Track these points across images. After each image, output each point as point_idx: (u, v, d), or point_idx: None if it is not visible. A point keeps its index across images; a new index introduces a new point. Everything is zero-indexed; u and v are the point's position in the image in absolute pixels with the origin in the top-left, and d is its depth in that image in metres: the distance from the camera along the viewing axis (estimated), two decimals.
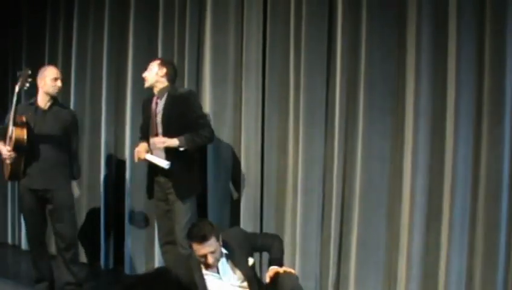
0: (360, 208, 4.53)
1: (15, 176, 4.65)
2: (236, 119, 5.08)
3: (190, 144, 4.50)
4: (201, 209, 4.94)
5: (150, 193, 4.76)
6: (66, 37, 6.11)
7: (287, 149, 4.92)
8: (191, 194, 4.63)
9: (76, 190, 4.86)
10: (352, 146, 4.58)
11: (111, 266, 5.84)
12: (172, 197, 4.57)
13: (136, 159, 4.67)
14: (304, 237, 4.79)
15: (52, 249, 5.21)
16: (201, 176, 4.83)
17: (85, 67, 6.03)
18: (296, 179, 4.82)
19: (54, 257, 4.96)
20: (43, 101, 4.68)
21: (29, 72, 4.55)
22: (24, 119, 4.54)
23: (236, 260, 3.69)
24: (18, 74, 4.58)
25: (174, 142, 4.46)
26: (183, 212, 4.55)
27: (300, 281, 4.71)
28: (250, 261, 3.72)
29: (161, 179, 4.61)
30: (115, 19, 5.77)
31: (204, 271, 3.68)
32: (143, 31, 5.58)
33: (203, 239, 3.55)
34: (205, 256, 3.58)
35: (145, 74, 4.65)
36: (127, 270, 5.61)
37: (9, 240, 6.58)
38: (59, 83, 4.68)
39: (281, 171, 4.95)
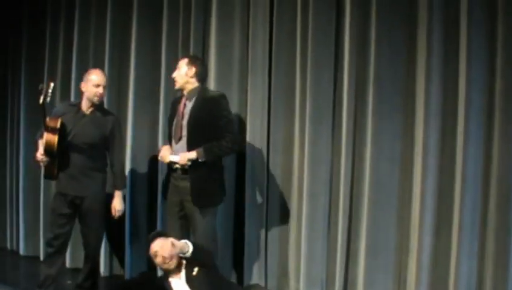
0: (368, 210, 4.50)
1: (49, 177, 4.72)
2: (241, 121, 5.05)
3: (209, 155, 4.38)
4: None
5: (165, 193, 4.67)
6: (66, 41, 6.06)
7: (292, 151, 4.91)
8: (210, 204, 4.50)
9: (119, 203, 4.77)
10: (361, 147, 4.56)
11: (111, 272, 5.78)
12: (189, 205, 4.44)
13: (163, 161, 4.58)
14: (309, 241, 4.76)
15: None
16: (223, 185, 4.65)
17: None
18: (302, 182, 4.80)
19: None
20: (85, 105, 4.67)
21: (52, 84, 4.54)
22: (58, 124, 4.52)
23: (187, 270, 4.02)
24: (40, 86, 4.54)
25: (191, 155, 4.37)
26: (203, 222, 4.44)
27: (306, 287, 4.73)
28: (195, 270, 3.99)
29: (180, 184, 4.47)
30: (117, 21, 5.72)
31: (170, 279, 4.04)
32: (146, 32, 5.54)
33: (154, 237, 4.05)
34: (156, 254, 3.98)
35: (175, 74, 4.54)
36: (127, 277, 5.56)
37: (8, 245, 6.53)
38: (100, 90, 4.63)
39: (287, 174, 4.94)
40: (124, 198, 4.96)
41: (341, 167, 4.61)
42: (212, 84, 5.06)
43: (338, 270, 4.65)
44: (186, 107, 4.48)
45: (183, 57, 4.69)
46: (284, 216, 4.94)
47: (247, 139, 4.99)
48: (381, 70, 4.43)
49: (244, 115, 5.03)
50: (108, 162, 4.80)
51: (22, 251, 6.32)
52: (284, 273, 4.99)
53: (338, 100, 4.66)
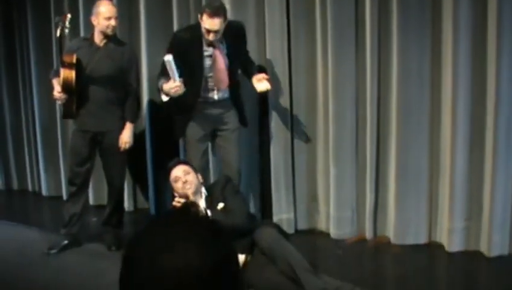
0: (397, 131, 4.55)
1: (68, 115, 4.76)
2: (260, 43, 4.99)
3: None
4: None
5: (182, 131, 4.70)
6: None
7: (315, 71, 4.88)
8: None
9: (128, 135, 4.74)
10: (387, 64, 4.55)
11: (136, 207, 5.90)
12: (231, 126, 4.64)
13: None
14: (337, 166, 4.82)
15: None
16: None
17: None
18: (327, 104, 4.81)
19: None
20: (98, 37, 4.68)
21: (69, 16, 4.53)
22: (74, 59, 4.54)
23: (208, 203, 4.10)
24: (56, 18, 4.56)
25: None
26: (238, 142, 4.71)
27: (336, 212, 4.78)
28: (220, 205, 4.07)
29: (213, 112, 4.60)
30: None
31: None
32: None
33: (175, 164, 4.15)
34: (176, 179, 4.06)
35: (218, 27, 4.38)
36: (152, 210, 5.65)
37: (30, 187, 6.64)
38: (113, 22, 4.61)
39: (311, 96, 4.93)
40: (143, 132, 4.95)
41: (367, 86, 4.62)
42: (226, 5, 4.94)
43: (368, 193, 4.73)
44: (222, 50, 4.51)
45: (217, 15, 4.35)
46: (311, 140, 4.98)
47: (267, 62, 4.93)
48: None
49: (263, 37, 4.96)
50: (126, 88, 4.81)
51: (44, 192, 6.46)
52: (313, 199, 5.07)
53: (360, 12, 4.59)
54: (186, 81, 4.31)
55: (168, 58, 4.21)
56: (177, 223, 1.17)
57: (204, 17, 4.31)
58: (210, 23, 4.30)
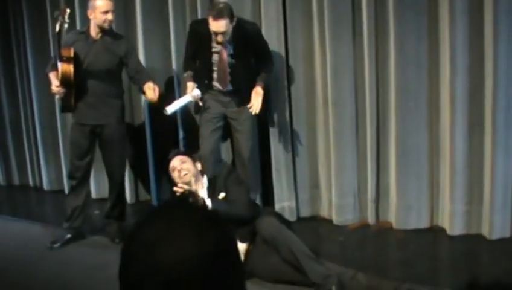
0: (396, 116, 4.59)
1: (67, 109, 4.80)
2: None
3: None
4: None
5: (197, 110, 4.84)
6: None
7: (313, 59, 4.92)
8: None
9: (153, 92, 4.66)
10: (384, 51, 4.59)
11: (137, 199, 5.94)
12: (241, 115, 4.70)
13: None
14: (338, 153, 4.87)
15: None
16: None
17: None
18: (326, 91, 4.85)
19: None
20: (94, 30, 4.71)
21: (68, 10, 4.54)
22: (72, 53, 4.58)
23: (210, 192, 4.14)
24: (56, 13, 4.56)
25: (261, 92, 4.57)
26: (250, 133, 4.77)
27: (338, 198, 4.82)
28: (221, 195, 4.11)
29: (222, 99, 4.71)
30: None
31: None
32: None
33: (174, 155, 4.19)
34: (174, 168, 4.11)
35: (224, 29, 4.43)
36: (154, 202, 5.69)
37: (31, 182, 6.67)
38: (110, 17, 4.64)
39: (309, 83, 4.96)
40: (143, 124, 4.95)
41: (365, 73, 4.66)
42: None
43: (369, 179, 4.78)
44: (228, 50, 4.57)
45: (220, 17, 4.40)
46: (310, 129, 5.01)
47: None
48: None
49: (259, 25, 4.93)
50: (131, 75, 4.80)
51: (45, 186, 6.50)
52: (315, 186, 5.12)
53: (357, 2, 4.63)
54: (198, 70, 4.61)
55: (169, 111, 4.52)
56: (175, 214, 1.19)
57: (210, 20, 4.39)
58: (215, 26, 4.39)
